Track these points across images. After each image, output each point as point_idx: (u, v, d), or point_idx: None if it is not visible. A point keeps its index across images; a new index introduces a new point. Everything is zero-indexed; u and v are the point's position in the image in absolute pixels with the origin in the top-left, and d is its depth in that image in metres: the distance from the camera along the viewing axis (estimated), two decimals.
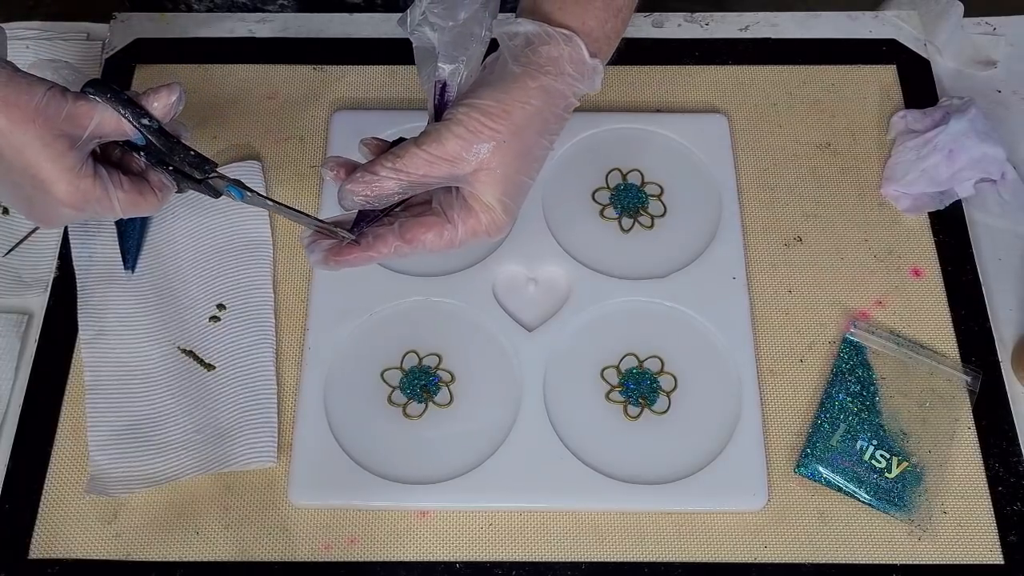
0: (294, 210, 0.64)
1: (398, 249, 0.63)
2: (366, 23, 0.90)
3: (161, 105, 0.60)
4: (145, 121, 0.60)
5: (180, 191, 0.63)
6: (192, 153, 0.62)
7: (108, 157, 0.63)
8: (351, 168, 0.62)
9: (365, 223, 0.63)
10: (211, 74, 0.87)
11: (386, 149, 0.63)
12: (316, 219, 0.64)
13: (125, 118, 0.59)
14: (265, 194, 0.63)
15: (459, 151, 0.60)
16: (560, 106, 0.62)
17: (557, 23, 0.61)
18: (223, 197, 0.64)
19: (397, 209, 0.64)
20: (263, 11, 0.92)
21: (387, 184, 0.60)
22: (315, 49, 0.88)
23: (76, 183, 0.59)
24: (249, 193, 0.63)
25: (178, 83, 0.61)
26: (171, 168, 0.62)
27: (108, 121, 0.59)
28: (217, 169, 0.62)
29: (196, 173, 0.62)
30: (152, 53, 0.88)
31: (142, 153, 0.61)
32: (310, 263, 0.64)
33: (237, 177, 0.81)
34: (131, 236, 0.78)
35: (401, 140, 0.63)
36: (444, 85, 0.66)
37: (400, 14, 0.66)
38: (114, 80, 0.86)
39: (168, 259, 0.79)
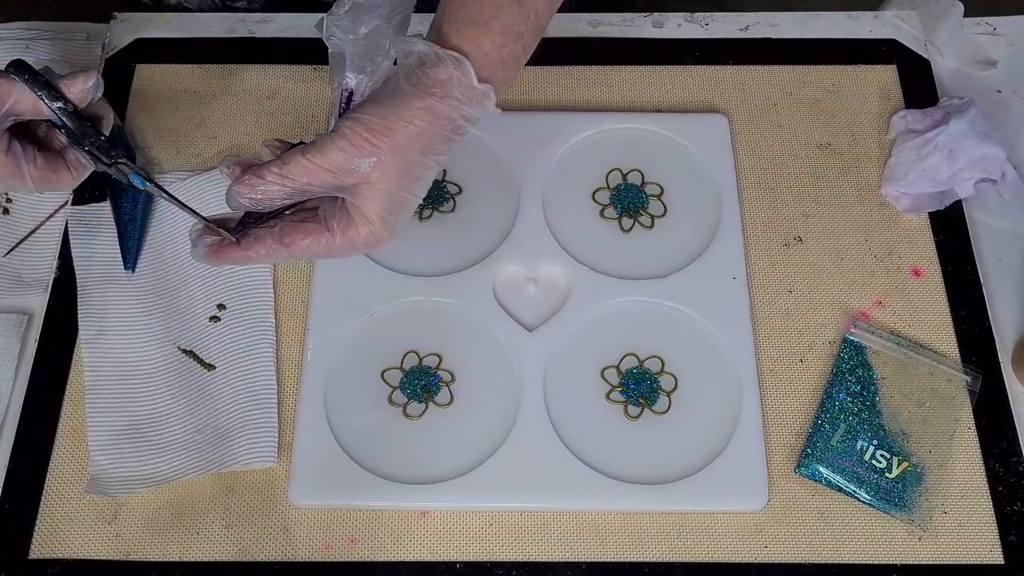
0: (184, 205, 0.65)
1: (275, 252, 0.63)
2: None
3: (77, 90, 0.62)
4: (60, 104, 0.62)
5: (99, 170, 0.65)
6: (103, 138, 0.64)
7: (32, 133, 0.65)
8: (246, 168, 0.63)
9: (252, 222, 0.64)
10: (211, 74, 0.87)
11: (287, 151, 0.63)
12: (203, 216, 0.65)
13: (41, 99, 0.61)
14: (163, 187, 0.66)
15: (341, 163, 0.60)
16: (446, 128, 0.62)
17: (451, 45, 0.61)
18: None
19: (287, 212, 0.65)
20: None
21: (271, 189, 0.61)
22: (315, 49, 0.88)
23: None
24: (149, 184, 0.65)
25: (96, 71, 0.63)
26: (87, 149, 0.64)
27: (25, 101, 0.61)
28: (123, 159, 0.64)
29: (104, 158, 0.64)
30: (152, 53, 0.88)
31: (64, 132, 0.64)
32: (192, 256, 0.65)
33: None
34: (131, 236, 0.78)
35: (302, 144, 0.64)
36: (351, 94, 0.67)
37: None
38: (114, 80, 0.86)
39: (168, 259, 0.79)
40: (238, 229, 0.63)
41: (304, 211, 0.65)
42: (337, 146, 0.60)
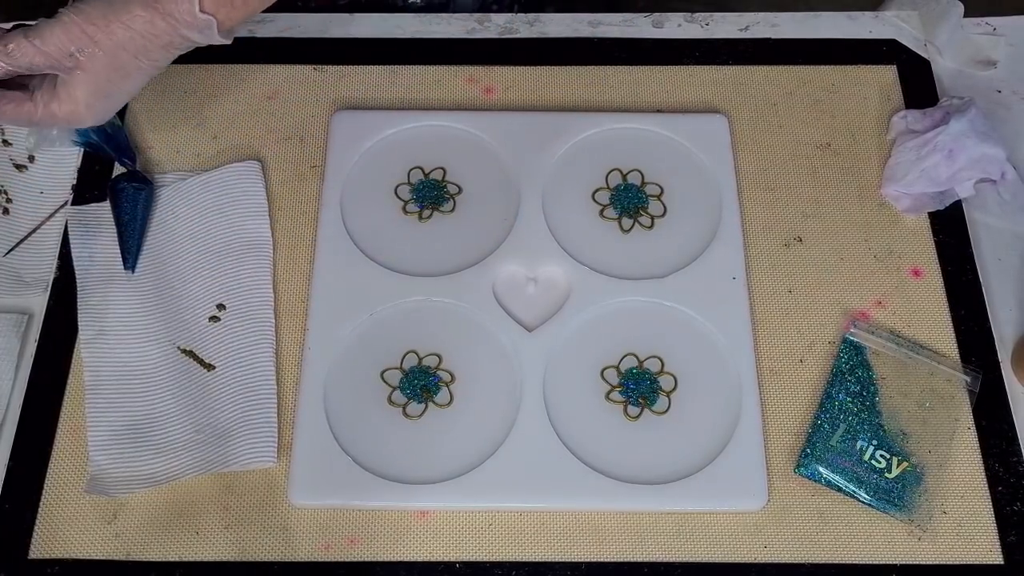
0: None
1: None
2: (366, 23, 0.90)
3: None
4: None
5: None
6: None
7: None
8: None
9: None
10: (211, 74, 0.87)
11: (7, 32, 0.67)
12: None
13: None
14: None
15: (59, 48, 0.65)
16: (164, 41, 0.66)
17: None
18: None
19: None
20: None
21: None
22: (315, 49, 0.88)
23: None
24: None
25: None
26: None
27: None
28: None
29: None
30: None
31: None
32: None
33: (238, 176, 0.82)
34: (131, 236, 0.78)
35: (19, 26, 0.68)
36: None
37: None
38: None
39: (168, 259, 0.79)
40: None
41: (24, 78, 0.70)
42: (54, 33, 0.65)
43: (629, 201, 0.81)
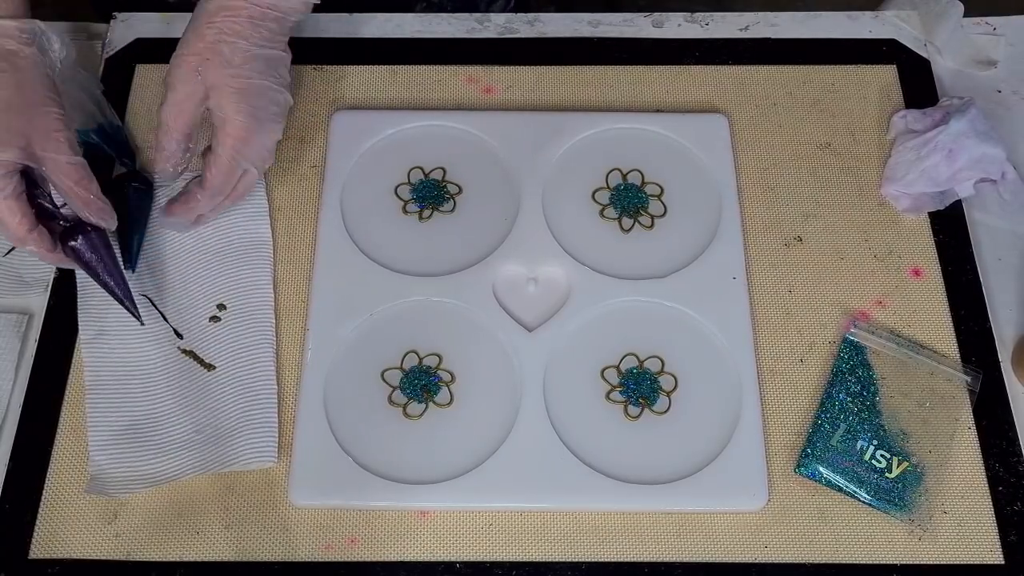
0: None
1: (208, 200, 0.75)
2: (366, 23, 0.90)
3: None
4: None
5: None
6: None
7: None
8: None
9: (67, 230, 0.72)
10: None
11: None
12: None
13: None
14: None
15: (185, 86, 0.72)
16: (270, 17, 0.71)
17: None
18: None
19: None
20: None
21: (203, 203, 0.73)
22: (315, 49, 0.88)
23: None
24: None
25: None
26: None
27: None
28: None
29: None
30: (152, 53, 0.88)
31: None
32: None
33: None
34: (131, 236, 0.78)
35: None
36: None
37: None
38: (114, 80, 0.86)
39: (168, 259, 0.79)
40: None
41: None
42: (173, 79, 0.71)
43: (629, 201, 0.81)
